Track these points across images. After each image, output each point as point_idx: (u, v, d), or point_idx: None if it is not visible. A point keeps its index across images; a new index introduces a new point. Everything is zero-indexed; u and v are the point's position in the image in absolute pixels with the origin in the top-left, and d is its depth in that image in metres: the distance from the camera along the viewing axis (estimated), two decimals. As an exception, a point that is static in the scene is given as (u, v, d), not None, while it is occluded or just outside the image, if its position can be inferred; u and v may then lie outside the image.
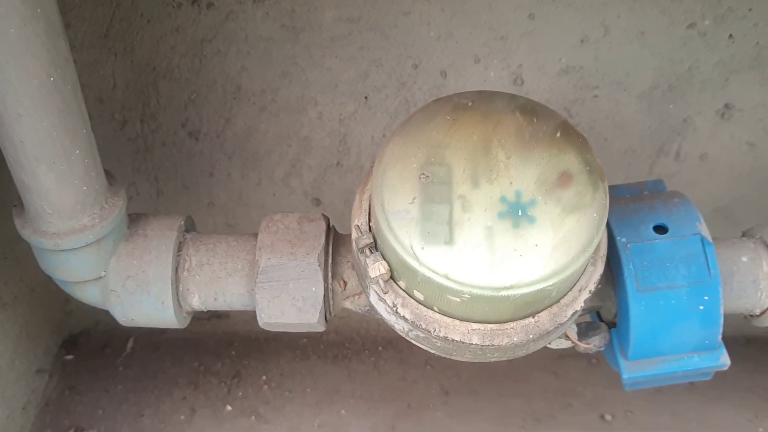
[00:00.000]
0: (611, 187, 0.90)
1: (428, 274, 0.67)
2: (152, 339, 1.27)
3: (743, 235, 0.92)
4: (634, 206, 0.86)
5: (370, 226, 0.75)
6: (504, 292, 0.67)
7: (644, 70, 1.03)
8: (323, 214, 0.87)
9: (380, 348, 1.29)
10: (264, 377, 1.25)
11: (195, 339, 1.27)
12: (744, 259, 0.87)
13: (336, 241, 0.86)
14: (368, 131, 1.07)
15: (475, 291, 0.67)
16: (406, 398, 1.23)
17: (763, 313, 0.89)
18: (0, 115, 0.68)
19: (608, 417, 1.21)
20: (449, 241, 0.68)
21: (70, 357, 1.25)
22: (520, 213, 0.69)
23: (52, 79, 0.67)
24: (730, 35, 1.01)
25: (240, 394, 1.23)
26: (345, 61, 1.00)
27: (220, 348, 1.28)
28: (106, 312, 0.88)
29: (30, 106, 0.67)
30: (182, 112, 1.04)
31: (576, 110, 1.05)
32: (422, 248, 0.67)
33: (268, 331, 0.87)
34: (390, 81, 1.02)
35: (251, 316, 0.84)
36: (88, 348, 1.26)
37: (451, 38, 0.99)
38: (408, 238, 0.68)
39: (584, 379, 1.25)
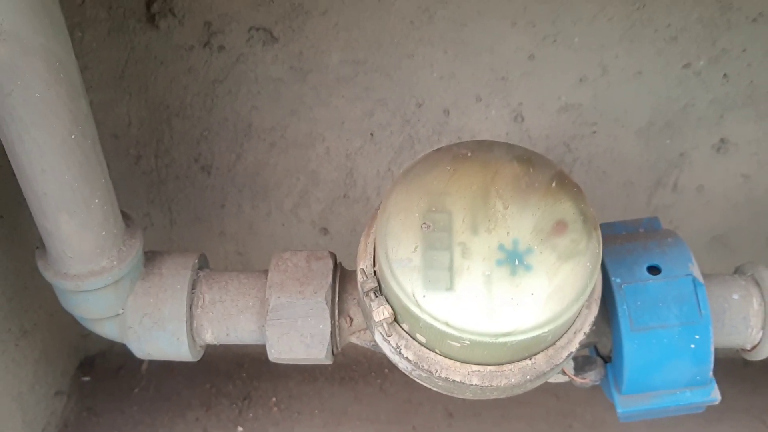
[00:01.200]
0: (608, 225, 0.95)
1: (429, 320, 0.71)
2: (166, 362, 1.30)
3: (735, 271, 0.95)
4: (629, 246, 0.89)
5: (374, 270, 0.79)
6: (501, 339, 0.71)
7: (641, 108, 1.07)
8: (330, 252, 0.91)
9: (386, 370, 1.33)
10: (273, 399, 1.29)
11: (207, 362, 1.30)
12: (735, 296, 0.91)
13: (342, 278, 0.90)
14: (374, 165, 1.11)
15: (474, 337, 0.71)
16: (412, 420, 1.26)
17: (754, 347, 0.93)
18: (24, 169, 0.72)
19: None
20: (450, 287, 0.71)
21: (87, 378, 1.29)
22: (516, 262, 0.72)
23: (73, 136, 0.71)
24: (725, 74, 1.04)
25: (251, 415, 1.27)
26: (351, 101, 1.05)
27: (231, 370, 1.32)
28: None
29: (53, 161, 0.72)
30: (195, 147, 1.08)
31: (575, 145, 1.09)
32: (424, 296, 0.71)
33: (278, 355, 0.92)
34: (394, 119, 1.07)
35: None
36: (104, 370, 1.31)
37: (453, 78, 1.03)
38: (410, 286, 0.72)
39: (584, 401, 1.28)
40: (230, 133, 1.07)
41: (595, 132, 1.08)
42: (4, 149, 0.98)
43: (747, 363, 1.36)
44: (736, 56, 1.02)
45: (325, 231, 1.18)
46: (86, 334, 1.30)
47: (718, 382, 0.89)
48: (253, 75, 1.01)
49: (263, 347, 0.91)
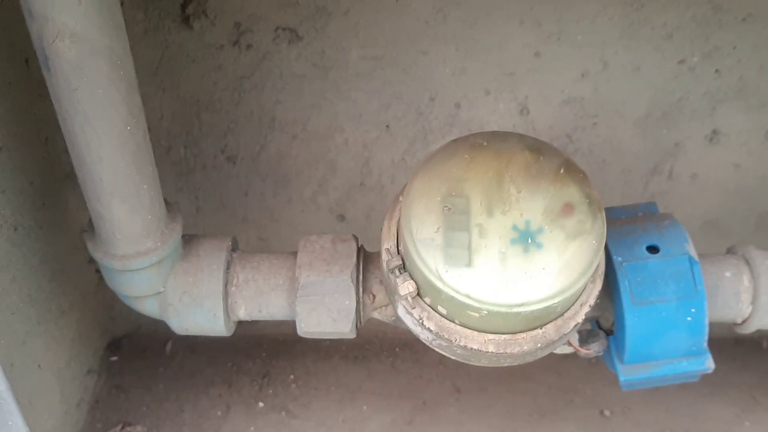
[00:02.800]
0: (608, 209, 1.02)
1: (451, 293, 0.78)
2: (189, 342, 1.38)
3: (728, 251, 1.03)
4: (628, 228, 0.97)
5: (398, 249, 0.86)
6: (516, 309, 0.78)
7: (639, 100, 1.14)
8: (353, 235, 0.98)
9: (397, 349, 1.40)
10: (292, 376, 1.36)
11: (228, 341, 1.36)
12: (727, 274, 0.99)
13: (365, 259, 0.97)
14: (389, 156, 1.18)
15: (491, 308, 0.77)
16: (422, 395, 1.33)
17: (744, 321, 1.01)
18: (84, 157, 0.79)
19: (607, 413, 1.31)
20: (469, 264, 0.79)
21: (115, 358, 1.36)
22: (529, 240, 0.80)
23: (128, 128, 0.78)
24: (717, 70, 1.12)
25: (270, 391, 1.34)
26: (369, 94, 1.11)
27: (251, 349, 1.39)
28: (147, 317, 0.99)
29: (110, 150, 0.79)
30: (222, 139, 1.15)
31: (577, 136, 1.17)
32: (446, 271, 0.78)
33: (295, 334, 0.98)
34: (409, 111, 1.14)
35: (279, 320, 0.96)
36: (131, 350, 1.37)
37: (464, 74, 1.10)
38: (434, 262, 0.79)
39: (585, 377, 1.36)
40: (255, 125, 1.13)
41: (595, 123, 1.15)
42: (45, 142, 1.05)
43: (738, 342, 1.45)
44: (727, 53, 1.09)
45: (342, 218, 1.25)
46: (114, 316, 1.37)
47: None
48: (278, 71, 1.08)
49: (281, 328, 0.98)
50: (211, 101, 1.11)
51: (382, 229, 0.90)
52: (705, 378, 1.34)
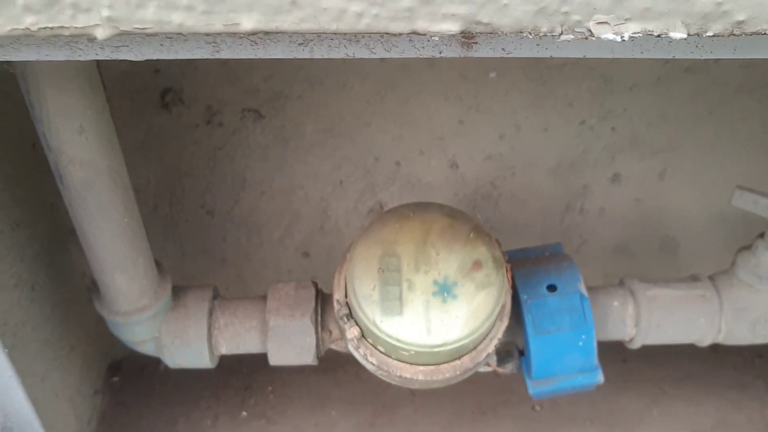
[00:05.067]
0: (521, 250, 1.22)
1: (386, 338, 0.96)
2: (180, 362, 1.58)
3: (618, 283, 1.24)
4: (534, 269, 1.16)
5: (346, 301, 1.07)
6: (436, 349, 0.96)
7: (550, 154, 1.33)
8: (313, 282, 1.18)
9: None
10: (270, 387, 1.51)
11: (214, 360, 1.59)
12: (615, 303, 1.18)
13: (323, 301, 1.16)
14: (343, 204, 1.37)
15: (417, 349, 0.96)
16: (381, 400, 1.49)
17: (631, 340, 1.22)
18: (91, 243, 0.99)
19: (538, 408, 1.47)
20: (400, 313, 0.97)
21: (116, 379, 1.55)
22: (446, 293, 1.00)
23: (126, 219, 0.98)
24: (612, 128, 1.31)
25: (252, 402, 1.49)
26: (323, 158, 1.31)
27: (234, 366, 1.52)
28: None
29: (111, 237, 0.98)
30: (201, 197, 1.34)
31: (499, 183, 1.37)
32: (381, 321, 0.96)
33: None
34: (357, 170, 1.32)
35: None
36: (130, 370, 1.53)
37: (401, 139, 1.29)
38: (372, 314, 0.96)
39: (519, 379, 1.54)
40: (229, 185, 1.33)
41: (514, 173, 1.35)
42: (51, 208, 1.25)
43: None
44: (620, 114, 1.29)
45: (306, 254, 1.46)
46: (113, 342, 1.56)
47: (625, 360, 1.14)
48: (246, 143, 1.27)
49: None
50: (190, 168, 1.30)
51: (334, 279, 1.11)
52: (621, 374, 1.59)
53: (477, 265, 1.02)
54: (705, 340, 1.20)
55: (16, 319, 1.10)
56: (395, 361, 1.03)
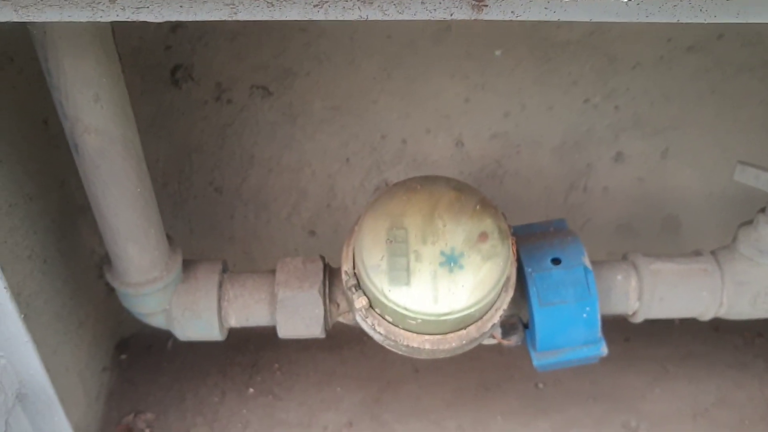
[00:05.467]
0: (526, 225, 1.24)
1: (394, 307, 0.98)
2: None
3: (622, 258, 1.26)
4: (539, 244, 1.19)
5: (354, 272, 1.09)
6: (443, 317, 0.98)
7: (554, 133, 1.36)
8: (321, 256, 1.21)
9: (365, 338, 1.57)
10: (276, 365, 1.53)
11: (221, 338, 1.60)
12: (619, 277, 1.20)
13: (331, 274, 1.18)
14: (350, 182, 1.39)
15: (425, 317, 0.98)
16: (386, 376, 1.51)
17: (634, 313, 1.24)
18: (104, 213, 1.01)
19: (541, 385, 1.49)
20: (407, 283, 0.98)
21: (124, 356, 1.57)
22: (453, 263, 1.02)
23: (138, 189, 1.00)
24: (616, 106, 1.33)
25: (259, 378, 1.51)
26: (331, 135, 1.33)
27: (241, 344, 1.57)
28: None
29: (124, 207, 1.00)
30: (209, 174, 1.36)
31: (504, 162, 1.39)
32: (390, 290, 0.98)
33: (278, 330, 1.19)
34: (364, 148, 1.35)
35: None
36: (137, 348, 1.56)
37: (408, 117, 1.31)
38: (380, 284, 0.98)
39: (523, 356, 1.55)
40: (237, 162, 1.35)
41: (519, 152, 1.37)
42: (62, 184, 1.27)
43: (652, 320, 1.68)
44: (623, 93, 1.31)
45: (313, 233, 1.48)
46: (122, 320, 1.58)
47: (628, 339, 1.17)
48: (254, 120, 1.29)
49: (266, 327, 1.21)
50: (200, 145, 1.32)
51: (342, 252, 1.13)
52: (624, 352, 1.60)
53: (483, 236, 1.04)
54: (707, 314, 1.22)
55: (29, 290, 1.12)
56: (403, 331, 1.05)
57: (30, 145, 1.17)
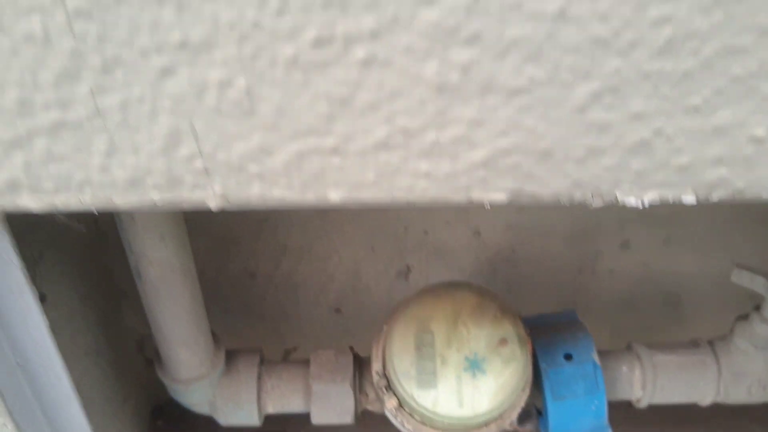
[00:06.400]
0: (539, 317, 1.35)
1: (421, 409, 1.06)
2: (218, 404, 1.70)
3: (627, 347, 1.37)
4: (552, 338, 1.30)
5: (385, 373, 1.19)
6: (467, 420, 1.06)
7: (564, 224, 1.45)
8: (350, 347, 1.31)
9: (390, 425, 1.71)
10: None
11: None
12: (624, 368, 1.30)
13: (360, 366, 1.28)
14: (374, 268, 1.49)
15: (450, 420, 1.05)
16: None
17: (638, 400, 1.35)
18: (159, 323, 1.11)
19: None
20: (434, 386, 1.09)
21: (160, 422, 1.69)
22: (476, 368, 1.13)
23: (192, 306, 1.11)
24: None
25: None
26: (357, 227, 1.44)
27: (270, 416, 1.71)
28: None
29: (179, 320, 1.11)
30: (245, 262, 1.47)
31: (518, 249, 1.49)
32: (418, 395, 1.09)
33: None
34: (388, 238, 1.44)
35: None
36: (173, 414, 1.67)
37: (429, 211, 1.42)
38: (409, 388, 1.07)
39: None
40: (271, 252, 1.46)
41: (532, 241, 1.49)
42: (115, 279, 1.36)
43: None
44: (628, 190, 1.42)
45: (338, 311, 1.59)
46: (157, 389, 1.69)
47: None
48: (287, 216, 1.40)
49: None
50: (236, 238, 1.43)
51: (371, 350, 1.22)
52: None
53: (503, 341, 1.14)
54: (705, 400, 1.32)
55: (86, 384, 1.22)
56: (430, 428, 1.15)
57: (83, 243, 1.27)
